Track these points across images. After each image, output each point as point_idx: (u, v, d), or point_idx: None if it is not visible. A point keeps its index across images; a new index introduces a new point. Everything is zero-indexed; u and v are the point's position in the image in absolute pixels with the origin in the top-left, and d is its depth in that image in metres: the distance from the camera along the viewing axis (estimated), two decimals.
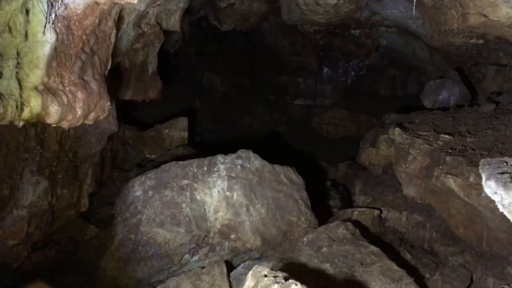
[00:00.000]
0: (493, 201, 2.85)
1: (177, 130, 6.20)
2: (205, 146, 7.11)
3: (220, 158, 4.07)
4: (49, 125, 3.30)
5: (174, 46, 7.98)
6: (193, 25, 8.41)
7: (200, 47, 9.61)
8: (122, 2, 2.63)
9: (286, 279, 2.34)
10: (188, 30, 8.34)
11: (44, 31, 2.42)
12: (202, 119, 8.39)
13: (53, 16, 2.43)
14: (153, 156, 6.03)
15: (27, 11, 2.28)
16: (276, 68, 9.43)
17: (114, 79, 4.40)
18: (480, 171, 2.49)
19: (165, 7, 4.55)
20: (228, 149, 4.28)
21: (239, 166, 4.05)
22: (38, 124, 3.49)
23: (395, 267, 3.56)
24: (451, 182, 3.66)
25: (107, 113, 3.10)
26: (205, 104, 9.01)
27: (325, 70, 9.20)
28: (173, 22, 4.82)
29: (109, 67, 3.16)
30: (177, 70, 8.92)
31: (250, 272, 2.52)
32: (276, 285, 2.22)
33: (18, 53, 2.31)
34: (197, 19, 8.29)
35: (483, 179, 2.49)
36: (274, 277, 2.35)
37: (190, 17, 7.85)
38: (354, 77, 9.24)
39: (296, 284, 2.16)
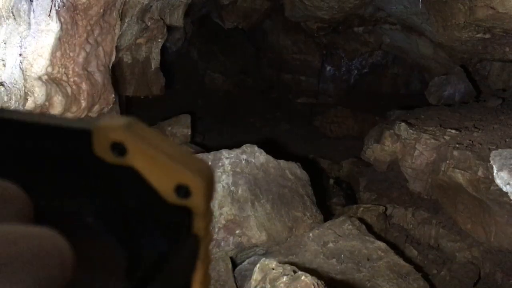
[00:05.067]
0: (503, 195, 2.81)
1: (180, 127, 6.16)
2: (207, 144, 7.07)
3: (224, 153, 4.04)
4: None
5: (176, 44, 7.95)
6: (195, 23, 8.38)
7: (202, 45, 9.57)
8: None
9: (294, 271, 2.30)
10: (190, 28, 8.31)
11: (48, 20, 2.38)
12: (204, 118, 8.35)
13: (57, 4, 2.39)
14: None
15: None
16: (279, 66, 9.39)
17: (117, 75, 4.36)
18: (492, 162, 2.45)
19: (169, 2, 4.52)
20: (230, 147, 4.24)
21: (243, 161, 4.01)
22: None
23: (403, 262, 3.52)
24: (459, 177, 3.61)
25: (111, 105, 3.07)
26: (207, 102, 8.97)
27: (328, 68, 9.16)
28: (177, 17, 4.78)
29: (113, 59, 3.13)
30: (179, 69, 8.88)
31: (258, 265, 2.49)
32: (285, 277, 2.18)
33: (22, 42, 2.27)
34: (199, 17, 8.26)
35: (495, 171, 2.45)
36: (283, 269, 2.31)
37: (192, 15, 7.82)
38: (357, 75, 9.20)
39: (305, 276, 2.12)
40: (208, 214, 0.39)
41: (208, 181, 0.38)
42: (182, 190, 0.37)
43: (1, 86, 2.09)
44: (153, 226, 0.38)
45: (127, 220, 0.38)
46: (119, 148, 0.36)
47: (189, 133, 6.23)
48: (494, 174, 2.42)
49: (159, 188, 0.37)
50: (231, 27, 8.04)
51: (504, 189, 2.39)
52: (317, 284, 2.09)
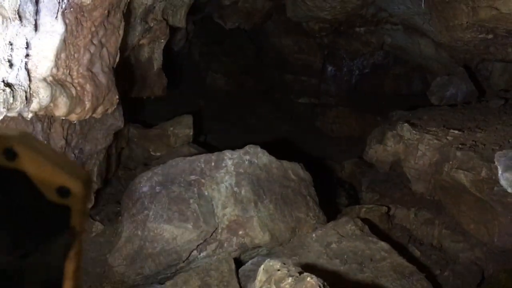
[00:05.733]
0: (507, 196, 2.81)
1: (182, 128, 6.15)
2: (209, 145, 7.07)
3: (227, 153, 4.04)
4: (57, 119, 3.26)
5: (177, 45, 7.95)
6: (196, 23, 8.38)
7: (204, 46, 9.58)
8: None
9: (299, 272, 2.30)
10: (192, 29, 8.31)
11: (53, 21, 2.38)
12: (206, 118, 8.36)
13: (62, 6, 2.39)
14: (158, 154, 5.99)
15: (37, 0, 2.24)
16: (280, 66, 9.40)
17: (120, 76, 4.36)
18: (496, 163, 2.45)
19: (171, 3, 4.52)
20: (232, 148, 4.24)
21: (246, 162, 4.01)
22: (44, 119, 3.45)
23: (406, 263, 3.51)
24: (462, 177, 3.61)
25: (115, 106, 3.07)
26: (209, 103, 8.97)
27: (330, 68, 9.16)
28: (179, 18, 4.79)
29: (117, 60, 3.13)
30: (181, 69, 8.89)
31: (262, 266, 2.48)
32: (290, 278, 2.18)
33: (27, 43, 2.27)
34: (200, 17, 8.27)
35: (499, 171, 2.45)
36: (288, 270, 2.31)
37: (194, 15, 7.82)
38: (359, 75, 9.20)
39: (311, 277, 2.12)
40: (85, 212, 0.47)
41: (85, 184, 0.47)
42: (63, 191, 0.45)
43: (7, 87, 2.09)
44: (37, 220, 0.45)
45: (14, 215, 0.45)
46: (10, 153, 0.43)
47: (191, 133, 6.22)
48: (499, 175, 2.42)
49: (43, 189, 0.44)
50: (232, 28, 8.04)
51: (509, 190, 2.39)
52: (323, 285, 2.09)
